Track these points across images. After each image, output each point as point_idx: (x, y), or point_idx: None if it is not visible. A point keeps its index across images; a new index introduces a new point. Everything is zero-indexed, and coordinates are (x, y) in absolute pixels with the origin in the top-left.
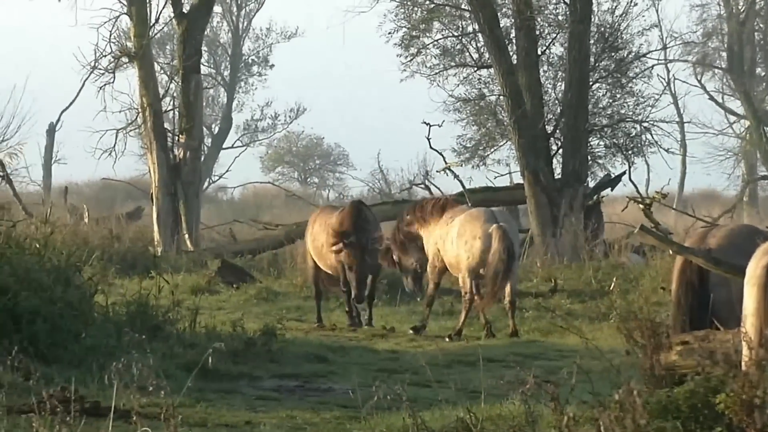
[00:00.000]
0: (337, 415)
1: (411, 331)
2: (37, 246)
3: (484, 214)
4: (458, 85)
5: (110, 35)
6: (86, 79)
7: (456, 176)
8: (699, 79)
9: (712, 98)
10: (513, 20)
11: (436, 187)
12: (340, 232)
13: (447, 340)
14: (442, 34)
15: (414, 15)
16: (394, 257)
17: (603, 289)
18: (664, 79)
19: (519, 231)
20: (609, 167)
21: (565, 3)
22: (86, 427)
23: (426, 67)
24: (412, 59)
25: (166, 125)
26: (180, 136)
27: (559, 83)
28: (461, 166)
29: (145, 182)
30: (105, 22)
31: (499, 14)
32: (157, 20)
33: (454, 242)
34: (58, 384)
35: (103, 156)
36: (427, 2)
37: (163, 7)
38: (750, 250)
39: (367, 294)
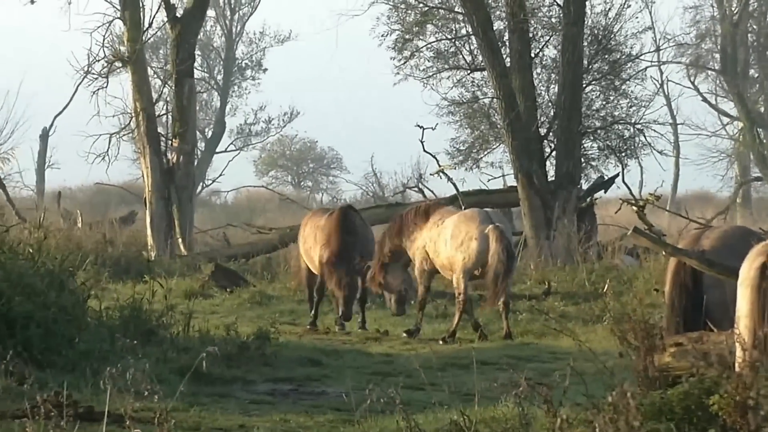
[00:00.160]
0: (331, 418)
1: (404, 335)
2: (31, 251)
3: (480, 214)
4: (452, 87)
5: (104, 40)
6: (79, 83)
7: (449, 179)
8: (692, 80)
9: (705, 100)
10: (506, 23)
11: (429, 190)
12: (327, 259)
13: (441, 342)
14: (436, 37)
15: (407, 18)
16: (380, 281)
17: (596, 291)
18: (658, 80)
19: (513, 233)
20: (602, 169)
21: (558, 5)
22: (80, 431)
23: (419, 70)
24: (405, 62)
25: (160, 129)
26: (173, 140)
27: (553, 85)
28: (455, 168)
29: (138, 186)
30: (98, 27)
31: (492, 17)
32: (150, 24)
33: (447, 243)
34: (52, 389)
35: (97, 160)
36: (421, 5)
37: (157, 12)
38: (743, 251)
39: (359, 297)
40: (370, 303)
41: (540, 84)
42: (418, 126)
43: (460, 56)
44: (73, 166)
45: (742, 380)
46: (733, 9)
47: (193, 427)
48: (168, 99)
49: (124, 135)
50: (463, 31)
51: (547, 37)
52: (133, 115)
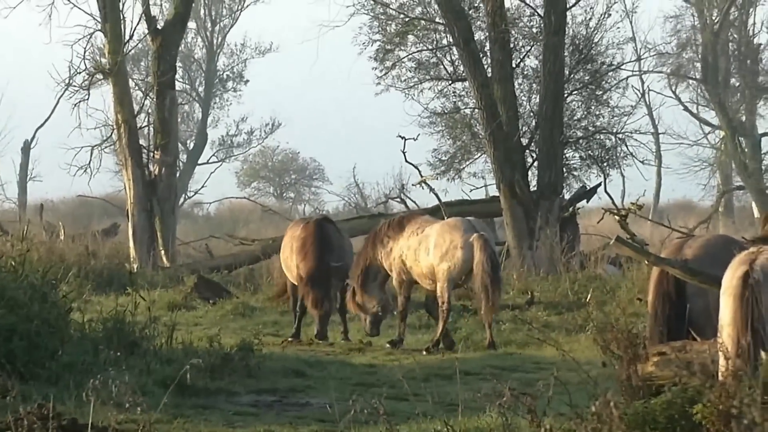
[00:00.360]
0: (315, 429)
1: (388, 345)
2: (13, 263)
3: (463, 223)
4: (433, 98)
5: (84, 52)
6: (61, 96)
7: (432, 189)
8: (673, 90)
9: (686, 109)
10: (487, 33)
11: (411, 200)
12: (304, 278)
13: (424, 353)
14: (417, 48)
15: (389, 28)
16: (357, 300)
17: (580, 301)
18: (639, 90)
19: (496, 244)
20: (584, 179)
21: (539, 15)
22: None
23: (401, 80)
24: (387, 72)
25: (142, 141)
26: (155, 152)
27: (534, 95)
28: (437, 179)
29: (120, 199)
30: (79, 39)
31: (473, 27)
32: (131, 37)
33: (430, 252)
34: (36, 401)
35: (79, 173)
36: (402, 16)
37: (138, 24)
38: (726, 260)
39: (339, 307)
40: (352, 314)
41: (521, 94)
42: (400, 137)
43: (442, 67)
44: (55, 178)
45: (725, 389)
46: (713, 18)
47: None
48: (149, 111)
49: (105, 147)
50: (444, 42)
51: (529, 47)
52: (114, 127)
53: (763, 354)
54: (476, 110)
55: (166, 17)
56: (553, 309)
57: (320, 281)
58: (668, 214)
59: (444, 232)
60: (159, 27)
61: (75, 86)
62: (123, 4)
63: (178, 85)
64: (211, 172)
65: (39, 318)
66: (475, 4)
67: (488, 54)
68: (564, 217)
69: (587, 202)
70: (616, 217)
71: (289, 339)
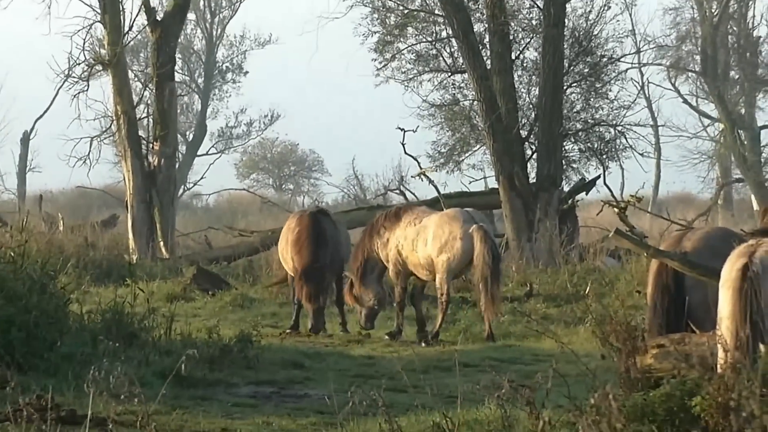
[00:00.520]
0: (314, 421)
1: (387, 337)
2: (12, 254)
3: (462, 214)
4: (433, 90)
5: (84, 43)
6: (60, 87)
7: (431, 181)
8: (673, 82)
9: (686, 101)
10: (487, 25)
11: (411, 192)
12: (298, 272)
13: (423, 344)
14: (417, 40)
15: (388, 20)
16: (354, 292)
17: (578, 293)
18: (638, 82)
19: (495, 236)
20: (584, 171)
21: (538, 7)
22: None
23: (400, 72)
24: (386, 64)
25: (141, 133)
26: (154, 143)
27: (534, 88)
28: (436, 171)
29: (119, 190)
30: (78, 30)
31: (472, 19)
32: (130, 28)
33: (428, 243)
34: (34, 392)
35: (78, 164)
36: (401, 8)
37: (137, 15)
38: (725, 253)
39: (336, 299)
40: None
41: (521, 86)
42: (399, 128)
43: (441, 59)
44: (55, 169)
45: (724, 382)
46: (713, 11)
47: (175, 430)
48: (149, 102)
49: (105, 138)
50: (444, 34)
51: (528, 40)
52: (114, 118)
53: (761, 346)
54: (475, 102)
55: (166, 8)
56: (552, 301)
57: (314, 276)
58: (667, 207)
59: (443, 223)
60: (158, 18)
61: (74, 77)
62: None
63: (178, 77)
64: (211, 164)
65: (38, 309)
66: None
67: (488, 46)
68: (563, 210)
69: (586, 194)
70: (616, 210)
71: (288, 330)
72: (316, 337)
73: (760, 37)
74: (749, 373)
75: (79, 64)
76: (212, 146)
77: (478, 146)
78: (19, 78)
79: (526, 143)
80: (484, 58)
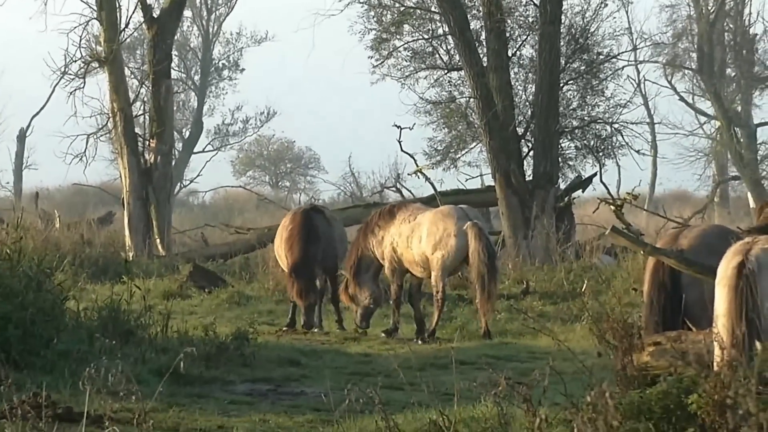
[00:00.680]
0: (310, 418)
1: (383, 334)
2: (8, 252)
3: (456, 211)
4: (429, 87)
5: (80, 40)
6: (56, 84)
7: (427, 179)
8: (669, 80)
9: (682, 99)
10: (483, 22)
11: (407, 189)
12: (289, 268)
13: (420, 342)
14: (413, 37)
15: (384, 18)
16: (349, 291)
17: (575, 291)
18: (635, 80)
19: (491, 233)
20: (580, 169)
21: (534, 5)
22: None
23: (397, 69)
24: (383, 62)
25: (137, 130)
26: (151, 140)
27: (530, 85)
28: (432, 168)
29: (116, 187)
30: (75, 27)
31: (469, 16)
32: (127, 25)
33: (423, 240)
34: (30, 390)
35: (74, 161)
36: (397, 5)
37: (133, 12)
38: (721, 250)
39: (331, 297)
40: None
41: (517, 83)
42: (396, 126)
43: (437, 56)
44: (51, 166)
45: (720, 379)
46: (709, 8)
47: (172, 428)
48: (145, 99)
49: (101, 135)
50: (440, 31)
51: (524, 37)
52: (110, 115)
53: (757, 344)
54: (472, 99)
55: (162, 5)
56: (549, 299)
57: (304, 272)
58: (664, 204)
59: (437, 221)
60: (155, 15)
61: (71, 74)
62: None
63: (174, 74)
64: (207, 161)
65: (34, 306)
66: None
67: (484, 43)
68: (560, 207)
69: (583, 191)
70: (612, 207)
71: (284, 328)
72: (313, 334)
73: (756, 34)
74: (745, 370)
75: (75, 61)
76: (209, 143)
77: (474, 143)
78: (15, 75)
79: (523, 140)
80: (481, 56)
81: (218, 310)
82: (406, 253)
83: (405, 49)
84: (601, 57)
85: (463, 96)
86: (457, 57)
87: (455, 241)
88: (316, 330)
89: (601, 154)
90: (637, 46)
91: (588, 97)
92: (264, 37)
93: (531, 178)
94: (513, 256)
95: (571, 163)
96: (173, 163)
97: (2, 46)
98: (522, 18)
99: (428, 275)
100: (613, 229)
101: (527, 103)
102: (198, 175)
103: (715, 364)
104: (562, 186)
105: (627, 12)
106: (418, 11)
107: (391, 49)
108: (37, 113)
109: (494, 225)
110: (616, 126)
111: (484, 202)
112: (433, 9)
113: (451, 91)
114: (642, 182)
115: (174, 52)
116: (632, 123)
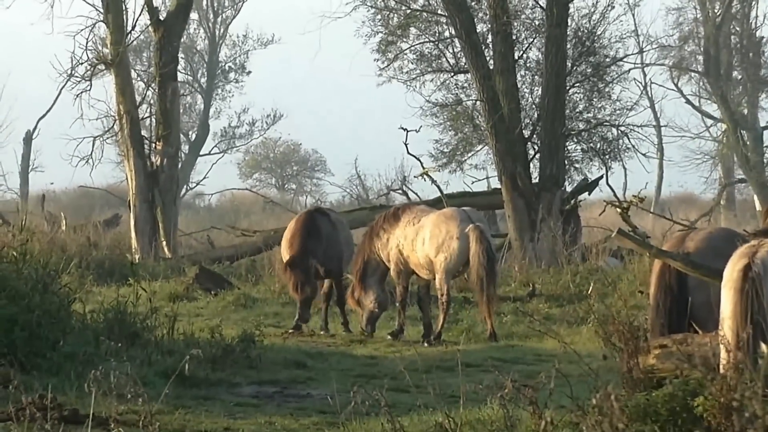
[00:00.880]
0: (316, 420)
1: (389, 337)
2: (15, 254)
3: (459, 213)
4: (435, 90)
5: (87, 43)
6: (63, 86)
7: (433, 181)
8: (676, 82)
9: (688, 102)
10: (490, 25)
11: (413, 192)
12: (287, 261)
13: (426, 344)
14: (419, 40)
15: (391, 21)
16: (355, 295)
17: (581, 293)
18: (641, 83)
19: (497, 236)
20: (586, 171)
21: (541, 8)
22: None
23: (403, 72)
24: (389, 64)
25: (143, 132)
26: (157, 143)
27: (536, 88)
28: (439, 171)
29: (122, 189)
30: (81, 30)
31: (475, 19)
32: (133, 27)
33: (426, 242)
34: (37, 392)
35: (81, 163)
36: (404, 8)
37: (140, 15)
38: (728, 253)
39: (337, 299)
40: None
41: (524, 86)
42: (402, 128)
43: (444, 59)
44: (57, 169)
45: (726, 382)
46: (716, 11)
47: (178, 430)
48: (151, 102)
49: (107, 138)
50: (447, 34)
51: (531, 40)
52: (116, 118)
53: (763, 346)
54: (478, 102)
55: (169, 8)
56: (555, 301)
57: (300, 264)
58: (670, 207)
59: (440, 223)
60: (161, 18)
61: (77, 77)
62: None
63: (180, 76)
64: (213, 164)
65: (40, 309)
66: None
67: (490, 46)
68: (566, 210)
69: (589, 194)
70: (618, 210)
71: (291, 330)
72: (319, 336)
73: (762, 37)
74: (752, 373)
75: (81, 63)
76: (215, 146)
77: (480, 146)
78: (22, 77)
79: (529, 143)
80: (487, 58)
81: (224, 312)
82: (412, 256)
83: (411, 51)
84: (607, 60)
85: (470, 99)
86: (463, 60)
87: (457, 244)
88: (322, 332)
89: (607, 156)
90: (644, 49)
91: (594, 99)
92: (270, 40)
93: (537, 180)
94: (519, 259)
95: (577, 165)
96: (179, 166)
97: (9, 49)
98: (528, 21)
99: (434, 277)
100: (620, 231)
101: (534, 106)
102: (204, 178)
103: (721, 366)
104: (569, 189)
105: (633, 15)
106: (425, 14)
107: (398, 52)
108: (44, 116)
109: (500, 228)
110: (622, 129)
111: (490, 205)
112: (439, 12)
113: (457, 93)
114: (648, 185)
115: (180, 55)
116: (638, 126)
